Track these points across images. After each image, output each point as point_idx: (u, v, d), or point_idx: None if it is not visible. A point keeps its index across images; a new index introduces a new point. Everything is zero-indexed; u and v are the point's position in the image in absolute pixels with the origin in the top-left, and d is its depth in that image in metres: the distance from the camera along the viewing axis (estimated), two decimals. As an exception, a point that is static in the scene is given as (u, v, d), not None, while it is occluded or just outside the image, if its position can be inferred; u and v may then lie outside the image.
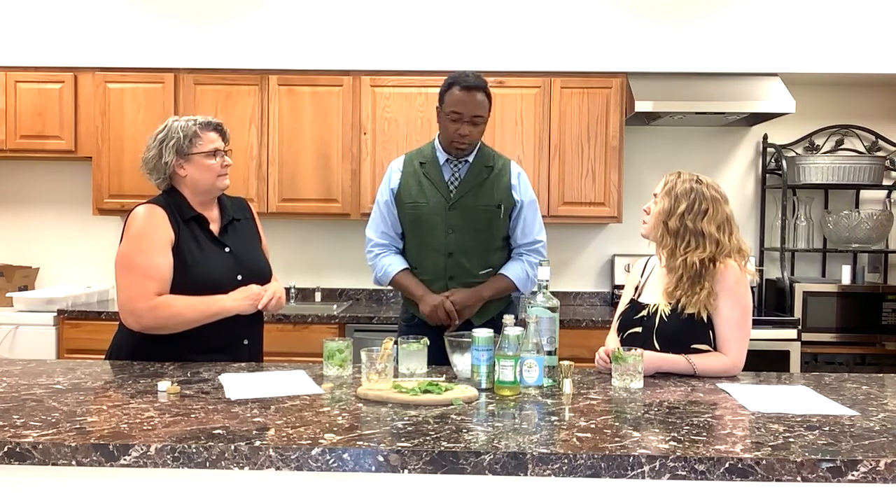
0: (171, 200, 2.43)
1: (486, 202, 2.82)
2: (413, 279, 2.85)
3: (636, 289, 2.50)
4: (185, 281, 2.35)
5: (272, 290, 2.44)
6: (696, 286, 2.28)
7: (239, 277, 2.42)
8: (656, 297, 2.39)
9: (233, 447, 1.53)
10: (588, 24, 4.20)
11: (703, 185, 2.35)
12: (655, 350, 2.29)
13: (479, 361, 2.08)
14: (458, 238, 2.81)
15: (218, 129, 2.47)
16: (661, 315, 2.33)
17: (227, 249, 2.46)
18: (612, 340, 2.46)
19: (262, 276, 2.51)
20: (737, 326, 2.29)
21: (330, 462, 1.52)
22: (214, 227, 2.48)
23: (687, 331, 2.29)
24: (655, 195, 2.41)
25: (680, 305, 2.30)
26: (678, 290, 2.30)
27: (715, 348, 2.31)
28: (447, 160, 2.84)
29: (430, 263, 2.83)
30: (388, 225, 2.91)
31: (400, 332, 2.88)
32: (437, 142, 2.88)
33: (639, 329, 2.37)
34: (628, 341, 2.37)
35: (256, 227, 2.64)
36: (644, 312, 2.38)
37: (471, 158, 2.84)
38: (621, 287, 2.45)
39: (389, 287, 2.96)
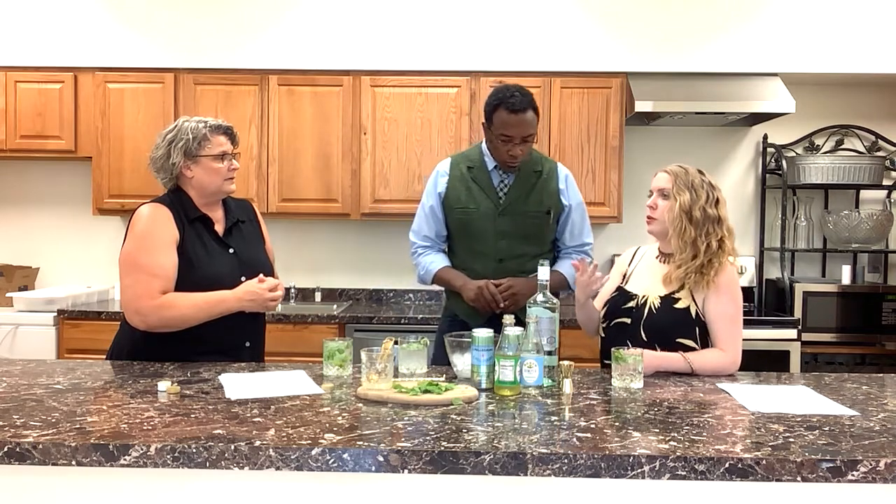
0: (176, 200, 2.43)
1: (536, 208, 2.81)
2: (454, 272, 2.85)
3: (623, 276, 2.52)
4: (189, 281, 2.35)
5: (272, 282, 2.42)
6: (705, 268, 2.32)
7: (242, 279, 2.41)
8: (645, 288, 2.41)
9: (233, 447, 1.53)
10: (588, 24, 4.20)
11: (706, 176, 2.42)
12: (643, 341, 2.32)
13: (479, 361, 2.08)
14: (509, 244, 2.80)
15: (228, 132, 2.47)
16: (650, 307, 2.35)
17: (231, 251, 2.46)
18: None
19: None
20: (732, 323, 2.32)
21: (330, 462, 1.53)
22: (219, 228, 2.47)
23: (675, 324, 2.32)
24: (663, 189, 2.40)
25: (679, 294, 2.33)
26: (689, 275, 2.32)
27: (703, 346, 2.33)
28: (496, 166, 2.82)
29: (480, 268, 2.81)
30: (433, 229, 2.90)
31: (441, 330, 2.86)
32: (484, 147, 2.86)
33: (627, 319, 2.39)
34: (615, 330, 2.39)
35: (261, 229, 2.64)
36: (633, 303, 2.39)
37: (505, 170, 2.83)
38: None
39: (433, 286, 2.97)
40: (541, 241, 2.85)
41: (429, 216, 2.89)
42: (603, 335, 2.47)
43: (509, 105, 2.65)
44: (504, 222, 2.79)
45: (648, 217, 2.44)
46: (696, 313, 2.31)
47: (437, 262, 2.88)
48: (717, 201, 2.38)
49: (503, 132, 2.67)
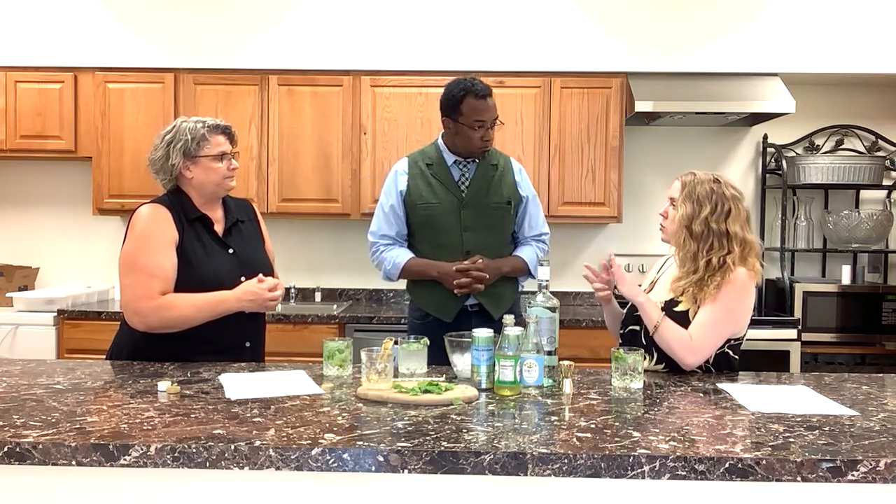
0: (176, 200, 2.43)
1: (497, 200, 2.87)
2: (425, 260, 2.86)
3: (652, 284, 2.52)
4: (188, 281, 2.35)
5: (272, 282, 2.42)
6: (703, 283, 2.25)
7: (242, 279, 2.41)
8: (657, 296, 2.40)
9: (233, 447, 1.53)
10: (588, 24, 4.20)
11: (723, 185, 2.31)
12: (642, 345, 2.31)
13: (479, 361, 2.08)
14: (474, 236, 2.84)
15: (226, 132, 2.47)
16: None
17: (230, 251, 2.46)
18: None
19: None
20: (707, 325, 2.23)
21: (330, 462, 1.53)
22: (219, 228, 2.47)
23: None
24: (673, 199, 2.36)
25: (680, 299, 2.29)
26: (691, 287, 2.27)
27: None
28: (455, 161, 2.87)
29: (446, 262, 2.82)
30: (394, 228, 2.90)
31: (411, 330, 2.84)
32: (441, 143, 2.90)
33: (637, 327, 2.39)
34: (629, 337, 2.41)
35: (260, 229, 2.64)
36: None
37: (477, 157, 2.87)
38: (621, 287, 2.47)
39: (398, 282, 2.96)
40: (503, 233, 2.93)
41: (389, 215, 2.90)
42: (620, 342, 2.45)
43: (477, 92, 2.76)
44: (468, 215, 2.84)
45: (661, 224, 2.42)
46: (694, 315, 2.28)
47: (402, 255, 2.89)
48: (728, 214, 2.26)
49: (477, 118, 2.76)
